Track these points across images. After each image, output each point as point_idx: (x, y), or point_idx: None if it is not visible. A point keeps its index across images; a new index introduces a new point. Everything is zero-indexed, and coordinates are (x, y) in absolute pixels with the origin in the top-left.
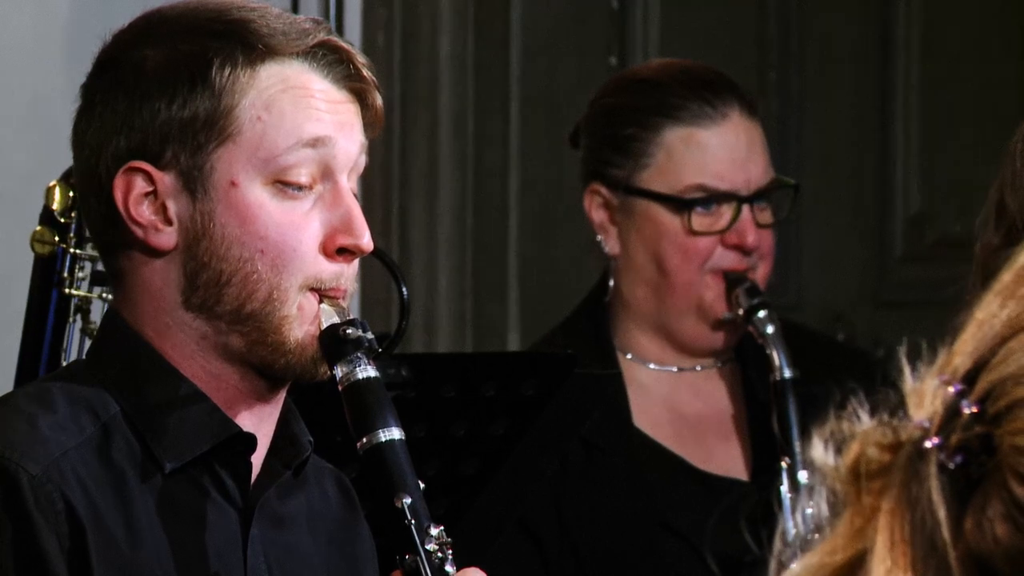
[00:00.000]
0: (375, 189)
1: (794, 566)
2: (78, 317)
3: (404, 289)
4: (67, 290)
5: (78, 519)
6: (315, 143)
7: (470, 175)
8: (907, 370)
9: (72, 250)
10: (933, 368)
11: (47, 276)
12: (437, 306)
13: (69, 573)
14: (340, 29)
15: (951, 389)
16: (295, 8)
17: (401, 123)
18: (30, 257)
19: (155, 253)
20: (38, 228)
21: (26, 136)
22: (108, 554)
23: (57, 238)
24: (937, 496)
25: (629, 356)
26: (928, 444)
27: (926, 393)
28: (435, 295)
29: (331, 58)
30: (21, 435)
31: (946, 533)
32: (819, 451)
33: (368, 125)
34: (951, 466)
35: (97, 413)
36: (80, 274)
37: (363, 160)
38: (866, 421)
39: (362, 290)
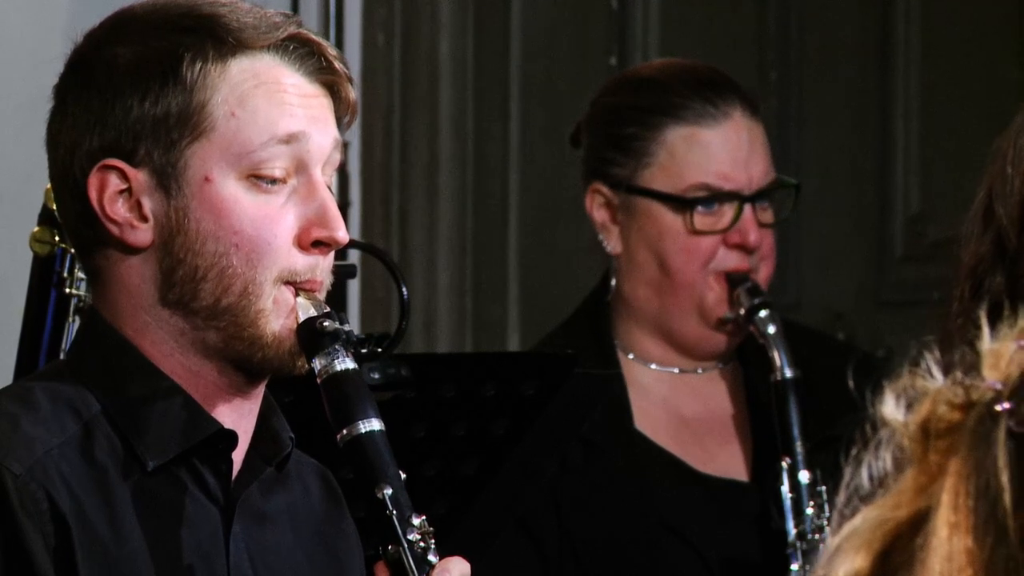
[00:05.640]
0: (375, 189)
1: (856, 519)
2: (76, 317)
3: (404, 289)
4: (67, 290)
5: (63, 518)
6: (289, 139)
7: (470, 175)
8: (986, 329)
9: (71, 250)
10: (1013, 331)
11: (46, 276)
12: (437, 306)
13: (55, 572)
14: (340, 29)
15: None
16: (295, 8)
17: (401, 123)
18: (28, 257)
19: (131, 250)
20: (37, 228)
21: (25, 136)
22: (93, 552)
23: (57, 238)
24: (1003, 461)
25: (631, 356)
26: (999, 407)
27: (1003, 355)
28: (435, 295)
29: (302, 51)
30: (4, 435)
31: (1008, 500)
32: (890, 406)
33: (341, 118)
34: (1020, 432)
35: (79, 412)
36: (79, 274)
37: (337, 156)
38: (939, 379)
39: (362, 290)
